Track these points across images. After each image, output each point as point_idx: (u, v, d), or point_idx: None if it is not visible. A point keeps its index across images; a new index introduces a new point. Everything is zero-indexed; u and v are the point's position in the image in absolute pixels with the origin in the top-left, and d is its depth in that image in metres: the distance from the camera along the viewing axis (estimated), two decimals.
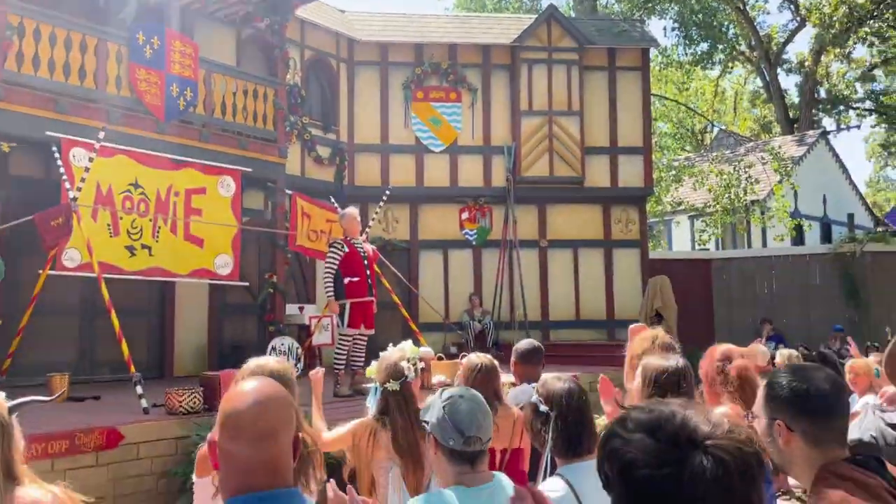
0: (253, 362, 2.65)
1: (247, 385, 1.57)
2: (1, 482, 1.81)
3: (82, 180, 7.50)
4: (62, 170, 7.45)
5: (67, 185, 7.38)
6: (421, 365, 3.50)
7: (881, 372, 5.72)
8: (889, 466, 1.81)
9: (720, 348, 3.29)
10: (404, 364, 3.28)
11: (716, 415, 1.14)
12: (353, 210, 8.46)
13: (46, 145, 7.74)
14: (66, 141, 7.69)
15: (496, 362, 3.81)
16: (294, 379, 2.52)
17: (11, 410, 1.95)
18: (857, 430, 5.09)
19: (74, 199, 7.30)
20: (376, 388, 3.28)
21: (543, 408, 2.53)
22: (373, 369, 3.37)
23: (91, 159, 7.57)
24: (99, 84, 8.50)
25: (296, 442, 1.55)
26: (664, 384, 2.56)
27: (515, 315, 13.16)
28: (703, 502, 1.05)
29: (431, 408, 2.17)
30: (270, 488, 1.48)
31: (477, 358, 3.75)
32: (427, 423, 2.16)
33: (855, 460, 1.76)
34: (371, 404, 3.33)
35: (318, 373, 3.80)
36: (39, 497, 1.69)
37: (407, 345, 3.54)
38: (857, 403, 5.85)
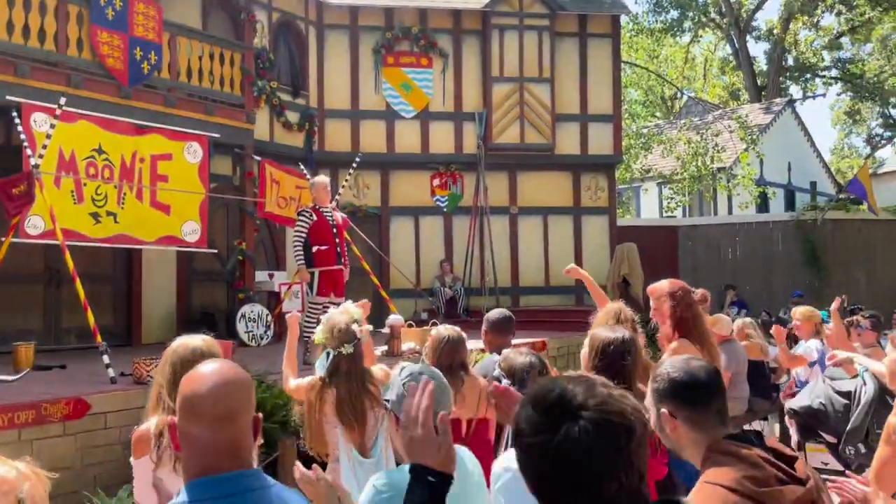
0: (177, 341, 2.66)
1: (205, 367, 1.59)
2: None
3: (44, 146, 7.35)
4: (23, 136, 7.30)
5: (29, 151, 7.23)
6: (368, 327, 3.60)
7: (830, 316, 6.09)
8: (765, 440, 1.97)
9: (661, 285, 3.41)
10: (355, 327, 3.35)
11: (598, 387, 1.30)
12: (323, 178, 8.41)
13: (6, 110, 7.57)
14: (26, 106, 7.51)
15: (463, 334, 3.88)
16: (221, 356, 2.51)
17: None
18: (808, 397, 5.31)
19: (36, 165, 7.16)
20: (328, 353, 3.33)
21: (505, 381, 2.60)
22: (320, 335, 3.39)
23: (53, 125, 7.42)
24: (60, 47, 8.30)
25: (255, 423, 1.59)
26: (610, 355, 2.67)
27: (486, 281, 13.26)
28: (573, 464, 1.22)
29: (391, 386, 2.22)
30: (231, 470, 1.51)
31: (444, 330, 3.83)
32: (388, 401, 2.21)
33: (734, 436, 1.94)
34: (320, 368, 3.37)
35: (294, 315, 3.85)
36: (3, 473, 1.71)
37: (349, 306, 3.61)
38: (801, 347, 6.15)
